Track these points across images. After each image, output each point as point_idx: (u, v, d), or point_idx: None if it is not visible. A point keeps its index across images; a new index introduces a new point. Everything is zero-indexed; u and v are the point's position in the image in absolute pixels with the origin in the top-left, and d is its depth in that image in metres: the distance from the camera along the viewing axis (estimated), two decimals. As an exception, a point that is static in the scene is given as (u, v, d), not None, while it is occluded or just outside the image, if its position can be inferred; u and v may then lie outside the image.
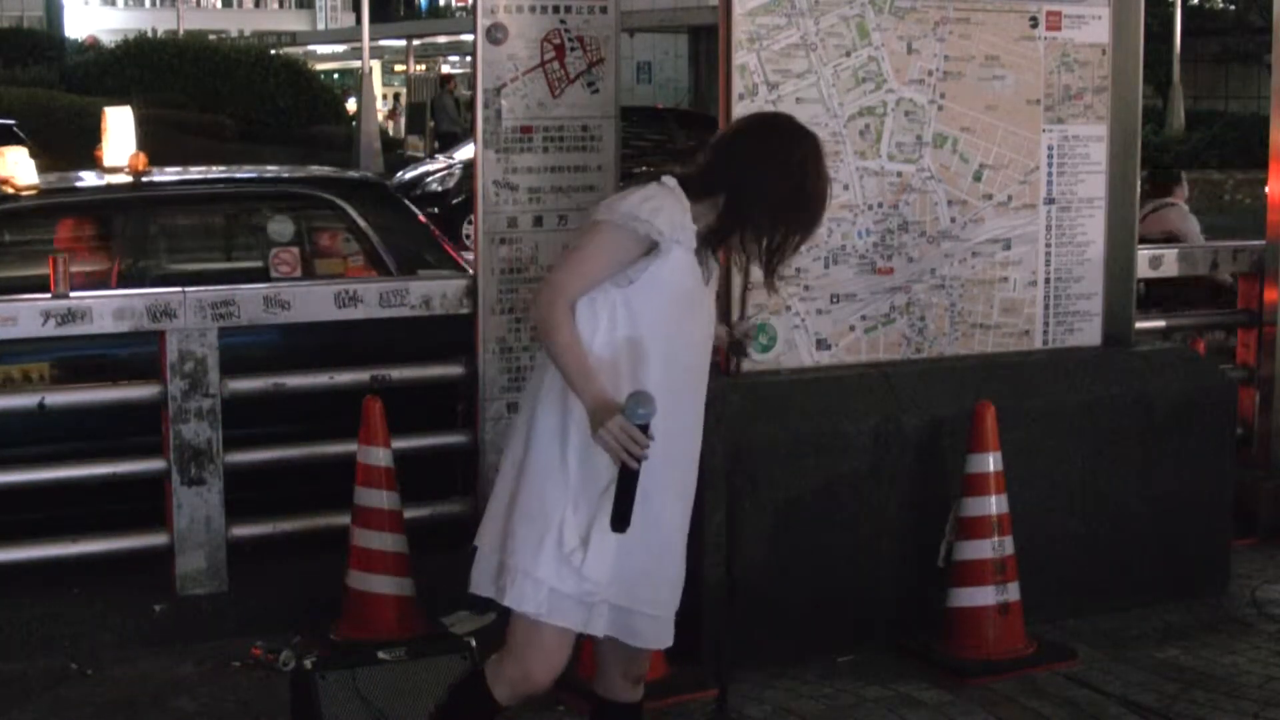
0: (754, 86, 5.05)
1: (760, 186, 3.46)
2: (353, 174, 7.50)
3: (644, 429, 3.31)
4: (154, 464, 5.36)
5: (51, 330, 5.18)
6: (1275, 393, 6.62)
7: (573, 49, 5.42)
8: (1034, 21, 5.49)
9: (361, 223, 6.43)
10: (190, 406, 5.26)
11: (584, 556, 3.40)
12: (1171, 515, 5.57)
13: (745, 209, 3.48)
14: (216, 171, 7.69)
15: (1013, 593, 4.99)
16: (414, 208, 7.18)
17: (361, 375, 5.53)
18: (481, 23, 5.32)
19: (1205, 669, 5.01)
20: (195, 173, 7.53)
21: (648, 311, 3.43)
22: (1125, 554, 5.51)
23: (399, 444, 5.27)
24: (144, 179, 6.48)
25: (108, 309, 5.21)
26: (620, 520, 3.36)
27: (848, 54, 5.18)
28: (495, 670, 3.56)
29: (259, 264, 6.30)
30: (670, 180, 3.50)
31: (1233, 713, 4.66)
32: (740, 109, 5.01)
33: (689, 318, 3.52)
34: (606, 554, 3.42)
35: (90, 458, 5.46)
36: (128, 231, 6.22)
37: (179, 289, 5.46)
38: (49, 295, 5.23)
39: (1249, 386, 6.69)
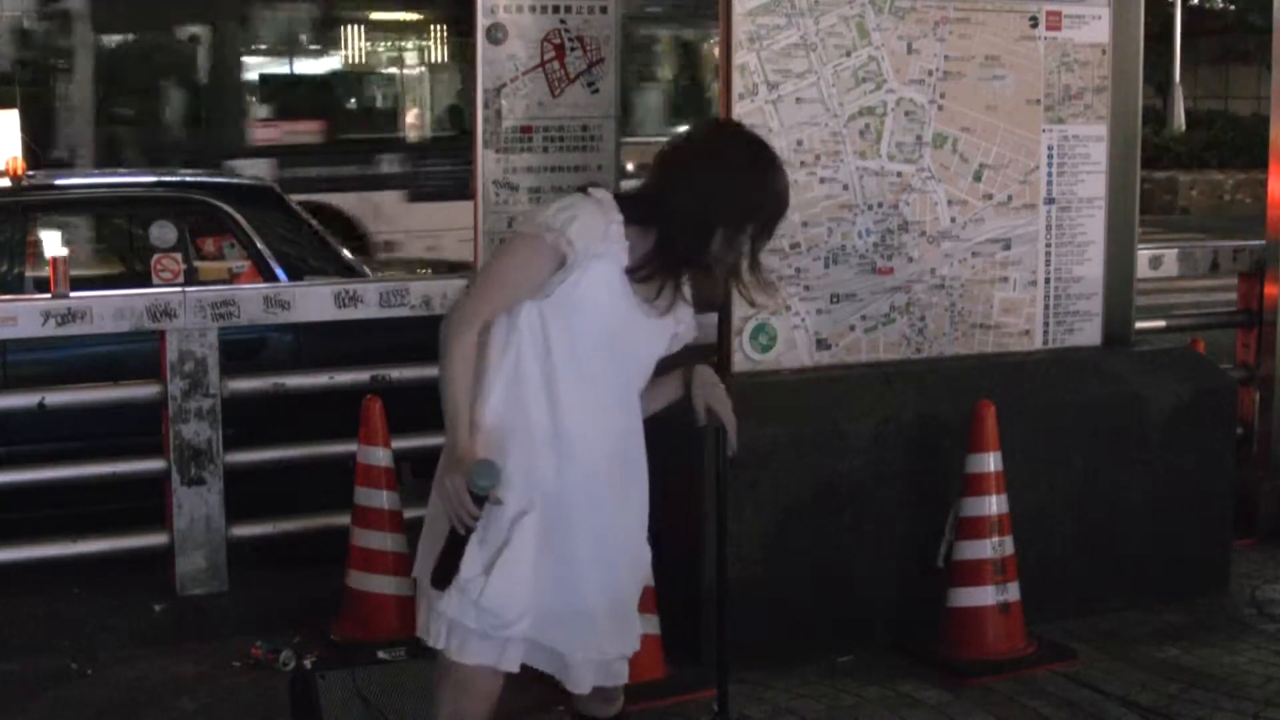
0: (754, 86, 5.05)
1: (712, 190, 3.25)
2: (242, 179, 7.41)
3: (482, 499, 3.12)
4: (154, 464, 5.37)
5: (51, 330, 5.18)
6: (1275, 393, 6.62)
7: (573, 49, 5.42)
8: (1034, 21, 5.49)
9: (248, 228, 6.37)
10: (190, 406, 5.26)
11: (483, 586, 3.20)
12: (1171, 515, 5.57)
13: (697, 217, 3.24)
14: (102, 176, 7.59)
15: (1013, 593, 4.99)
16: (305, 213, 7.03)
17: (361, 375, 5.54)
18: (481, 23, 5.32)
19: (1205, 669, 5.00)
20: (79, 177, 7.47)
21: (565, 328, 3.22)
22: (1125, 554, 5.51)
23: (399, 444, 5.28)
24: (24, 183, 6.39)
25: (108, 309, 5.21)
26: (440, 578, 3.20)
27: (848, 54, 5.18)
28: (433, 711, 3.42)
29: (141, 269, 6.25)
30: (599, 191, 3.29)
31: (1233, 713, 4.67)
32: (740, 109, 5.01)
33: (617, 341, 3.28)
34: (515, 586, 3.22)
35: (90, 458, 5.48)
36: (6, 236, 6.16)
37: (179, 289, 5.47)
38: (49, 295, 5.24)
39: (1249, 386, 6.69)
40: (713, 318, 4.91)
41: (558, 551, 3.26)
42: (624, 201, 3.28)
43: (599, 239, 3.19)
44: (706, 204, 3.23)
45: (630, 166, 6.95)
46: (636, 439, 3.40)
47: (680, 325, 3.41)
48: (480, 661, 3.28)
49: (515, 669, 3.32)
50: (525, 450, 3.24)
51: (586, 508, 3.29)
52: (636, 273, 3.25)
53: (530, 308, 3.21)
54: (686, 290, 3.40)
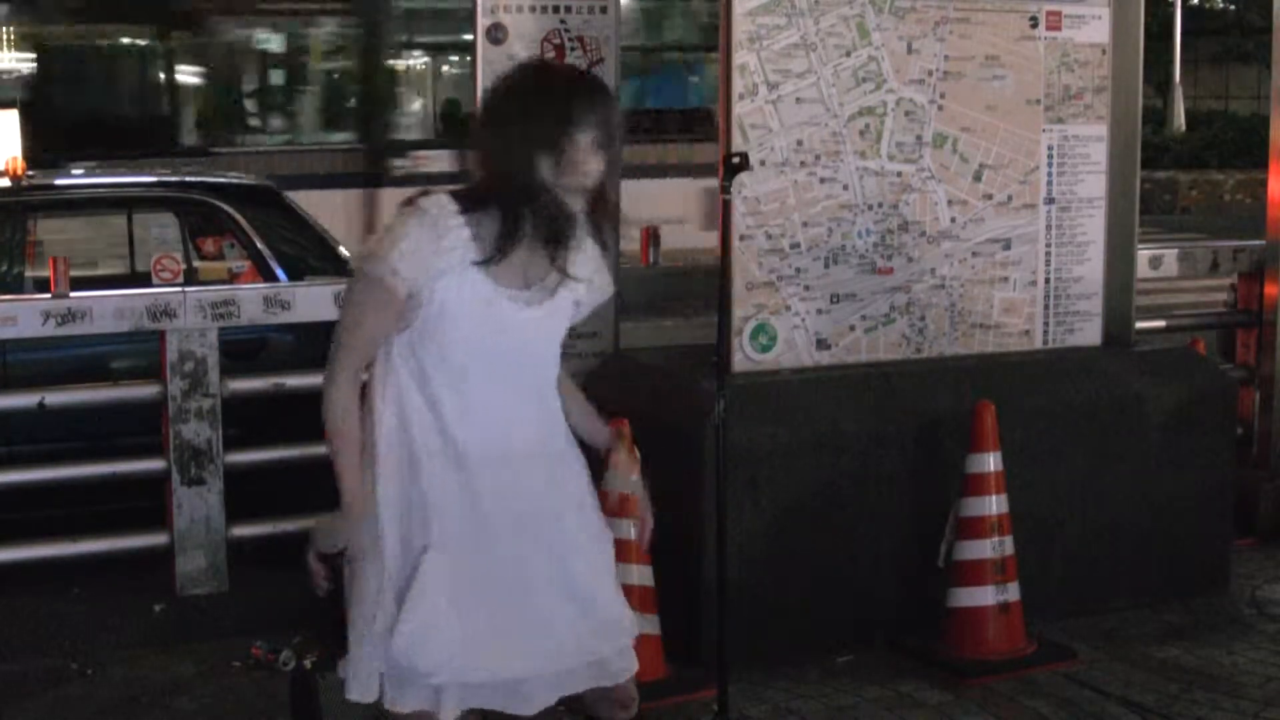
0: (754, 86, 5.05)
1: (503, 124, 3.05)
2: (242, 179, 7.40)
3: (334, 556, 3.03)
4: (154, 464, 5.37)
5: (51, 330, 5.19)
6: (1275, 393, 6.62)
7: (573, 49, 5.42)
8: (1034, 21, 5.49)
9: (248, 228, 6.37)
10: (190, 406, 5.26)
11: (393, 637, 3.05)
12: (1171, 515, 5.57)
13: (506, 158, 3.03)
14: (102, 176, 7.59)
15: (1013, 593, 4.99)
16: (307, 214, 7.02)
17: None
18: (481, 23, 5.32)
19: (1205, 669, 5.00)
20: (79, 177, 7.46)
21: (438, 350, 3.05)
22: (1125, 554, 5.51)
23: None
24: (24, 183, 6.39)
25: (108, 309, 5.21)
26: (336, 646, 3.11)
27: (848, 54, 5.18)
28: None
29: (141, 269, 6.25)
30: (429, 199, 3.04)
31: (1233, 713, 4.66)
32: (740, 109, 5.01)
33: (499, 345, 3.08)
34: (429, 631, 3.04)
35: (90, 457, 5.48)
36: (6, 236, 6.16)
37: (179, 289, 5.47)
38: (49, 295, 5.24)
39: (1249, 386, 6.69)
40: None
41: (480, 577, 3.09)
42: (459, 194, 3.07)
43: (433, 255, 2.98)
44: (506, 140, 3.03)
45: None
46: (553, 428, 3.22)
47: (579, 291, 3.18)
48: (418, 707, 3.12)
49: (454, 715, 3.13)
50: (424, 480, 3.08)
51: (504, 520, 3.11)
52: (491, 261, 3.02)
53: (400, 339, 3.06)
54: (577, 254, 3.15)
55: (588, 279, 3.20)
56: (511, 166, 3.03)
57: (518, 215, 3.03)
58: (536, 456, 3.17)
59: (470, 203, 3.04)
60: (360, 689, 3.17)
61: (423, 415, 3.08)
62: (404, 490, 3.09)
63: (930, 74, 5.31)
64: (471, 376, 3.07)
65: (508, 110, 3.07)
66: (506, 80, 3.14)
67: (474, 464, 3.09)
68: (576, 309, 3.23)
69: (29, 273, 6.11)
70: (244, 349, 5.78)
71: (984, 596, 4.95)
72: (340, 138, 14.50)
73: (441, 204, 3.03)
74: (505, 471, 3.12)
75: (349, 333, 3.06)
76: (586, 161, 3.05)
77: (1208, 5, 30.29)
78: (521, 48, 5.34)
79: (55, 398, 5.41)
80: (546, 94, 3.06)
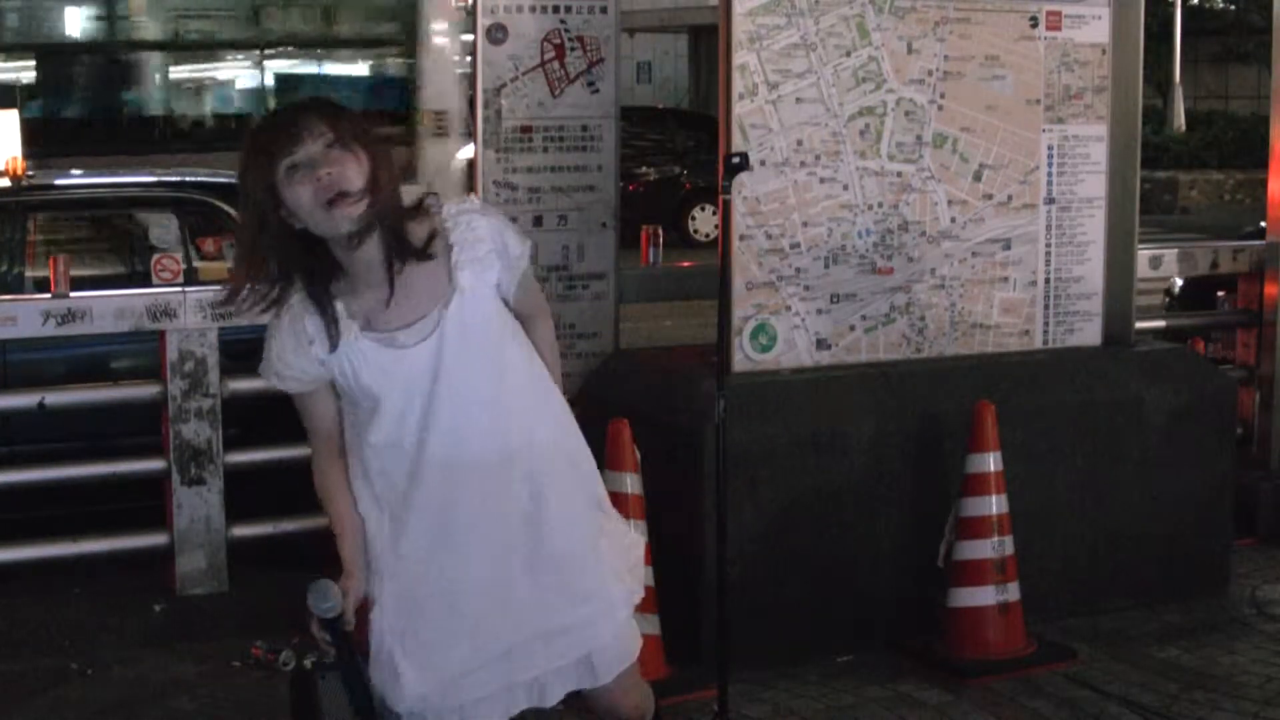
0: (754, 86, 5.05)
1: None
2: None
3: (331, 622, 3.03)
4: (154, 464, 5.37)
5: (51, 330, 5.19)
6: (1275, 393, 6.62)
7: (573, 49, 5.42)
8: (1034, 21, 5.49)
9: None
10: (190, 406, 5.26)
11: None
12: (1171, 515, 5.57)
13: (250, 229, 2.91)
14: (102, 175, 7.59)
15: (1013, 593, 4.99)
16: None
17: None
18: (481, 23, 5.32)
19: (1205, 669, 5.00)
20: (79, 176, 7.45)
21: (367, 409, 3.01)
22: (1125, 554, 5.51)
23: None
24: (24, 183, 6.38)
25: (108, 309, 5.21)
26: (362, 711, 3.09)
27: (848, 54, 5.18)
28: None
29: (141, 269, 6.24)
30: (296, 298, 2.98)
31: (1233, 713, 4.66)
32: (740, 109, 5.01)
33: (424, 381, 2.98)
34: (400, 677, 3.09)
35: (90, 457, 5.48)
36: (6, 236, 6.16)
37: (179, 289, 5.47)
38: (49, 295, 5.25)
39: (1249, 386, 6.69)
40: None
41: (431, 609, 3.09)
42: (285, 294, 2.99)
43: (300, 350, 2.98)
44: (247, 235, 2.93)
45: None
46: (517, 428, 3.07)
47: (484, 275, 3.02)
48: None
49: None
50: (372, 532, 3.11)
51: (444, 558, 3.07)
52: (340, 344, 2.96)
53: (350, 427, 3.07)
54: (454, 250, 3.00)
55: (480, 259, 3.02)
56: (268, 254, 2.91)
57: (319, 292, 2.94)
58: (496, 465, 3.05)
59: (294, 296, 2.96)
60: None
61: (367, 477, 3.07)
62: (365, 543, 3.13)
63: (930, 74, 5.31)
64: (404, 421, 2.99)
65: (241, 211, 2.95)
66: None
67: (429, 499, 3.03)
68: (498, 289, 3.07)
69: (29, 273, 6.11)
70: (244, 349, 5.79)
71: (984, 596, 4.95)
72: None
73: (293, 300, 2.96)
74: (459, 492, 3.03)
75: (306, 423, 3.11)
76: (301, 197, 2.85)
77: (1208, 5, 30.27)
78: (521, 47, 5.35)
79: (55, 398, 5.41)
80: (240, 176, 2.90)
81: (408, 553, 3.09)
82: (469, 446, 3.02)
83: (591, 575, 3.18)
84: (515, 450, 3.06)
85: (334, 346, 2.96)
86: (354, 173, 2.86)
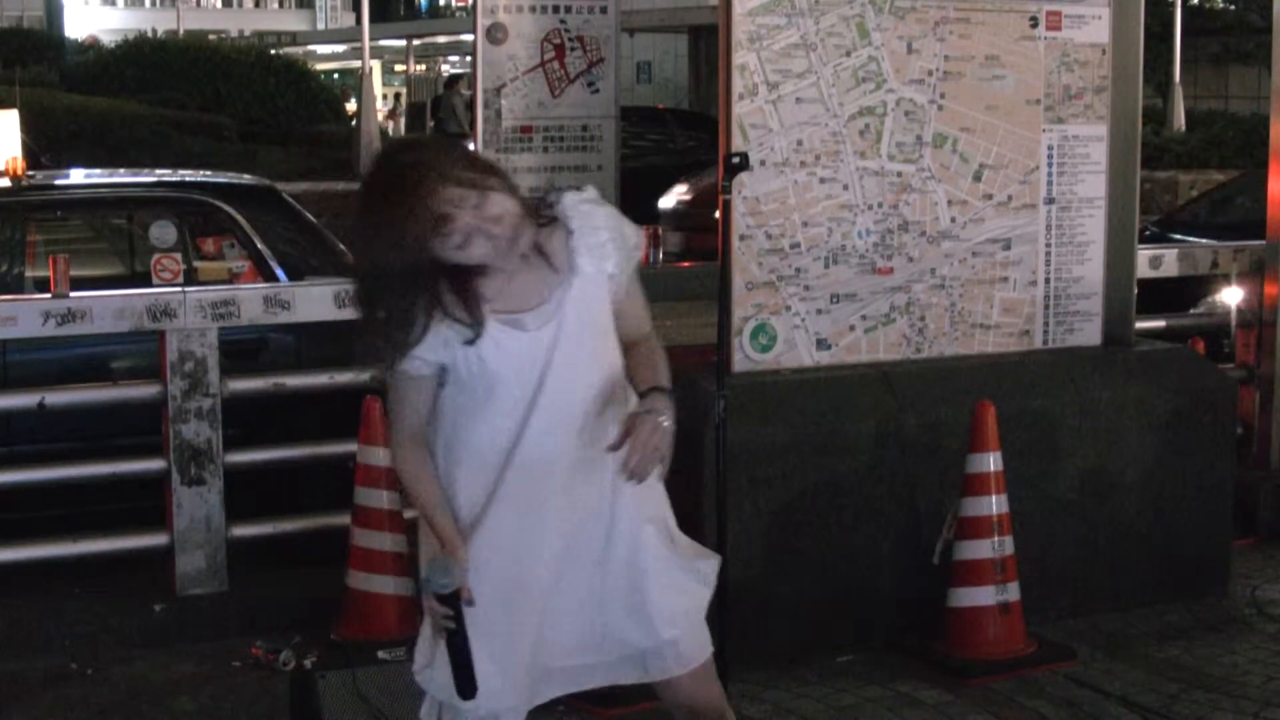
0: (754, 86, 5.05)
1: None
2: (243, 179, 7.38)
3: (450, 597, 3.05)
4: (154, 464, 5.37)
5: (51, 330, 5.18)
6: (1275, 393, 6.62)
7: (573, 49, 5.42)
8: (1034, 21, 5.49)
9: (249, 228, 6.36)
10: (190, 406, 5.26)
11: (431, 678, 3.18)
12: (1171, 515, 5.57)
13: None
14: (102, 176, 7.59)
15: (1013, 593, 4.99)
16: (307, 213, 7.02)
17: (361, 375, 5.53)
18: (481, 23, 5.32)
19: (1205, 669, 5.01)
20: (79, 177, 7.45)
21: (469, 410, 3.10)
22: (1125, 554, 5.51)
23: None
24: (24, 183, 6.38)
25: (108, 309, 5.21)
26: (464, 689, 3.11)
27: (848, 54, 5.18)
28: None
29: (142, 269, 6.24)
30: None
31: (1233, 713, 4.66)
32: (740, 109, 5.01)
33: (536, 386, 3.08)
34: (485, 675, 3.11)
35: (90, 457, 5.48)
36: (6, 236, 6.15)
37: (179, 289, 5.47)
38: (49, 295, 5.24)
39: (1249, 386, 6.69)
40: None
41: (514, 609, 3.15)
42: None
43: (438, 347, 3.05)
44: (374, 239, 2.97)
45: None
46: (597, 455, 3.15)
47: (602, 264, 3.11)
48: None
49: None
50: (467, 524, 3.15)
51: (544, 547, 3.15)
52: (479, 334, 3.03)
53: (445, 398, 3.12)
54: (561, 248, 3.09)
55: (599, 245, 3.11)
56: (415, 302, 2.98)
57: (465, 293, 3.01)
58: (583, 465, 3.14)
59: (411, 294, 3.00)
60: (426, 711, 3.28)
61: (465, 462, 3.13)
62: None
63: (930, 74, 5.31)
64: (512, 408, 3.08)
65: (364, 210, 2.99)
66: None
67: (521, 499, 3.12)
68: (613, 279, 3.15)
69: (29, 273, 6.11)
70: (244, 349, 5.78)
71: (984, 596, 4.95)
72: None
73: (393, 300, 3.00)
74: (546, 489, 3.12)
75: (397, 409, 3.15)
76: (458, 243, 2.94)
77: (1208, 5, 30.28)
78: (521, 47, 5.35)
79: (55, 398, 5.41)
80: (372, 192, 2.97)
81: (489, 544, 3.14)
82: (562, 443, 3.11)
83: (659, 584, 3.24)
84: (602, 452, 3.13)
85: (477, 336, 3.02)
86: (506, 208, 2.96)
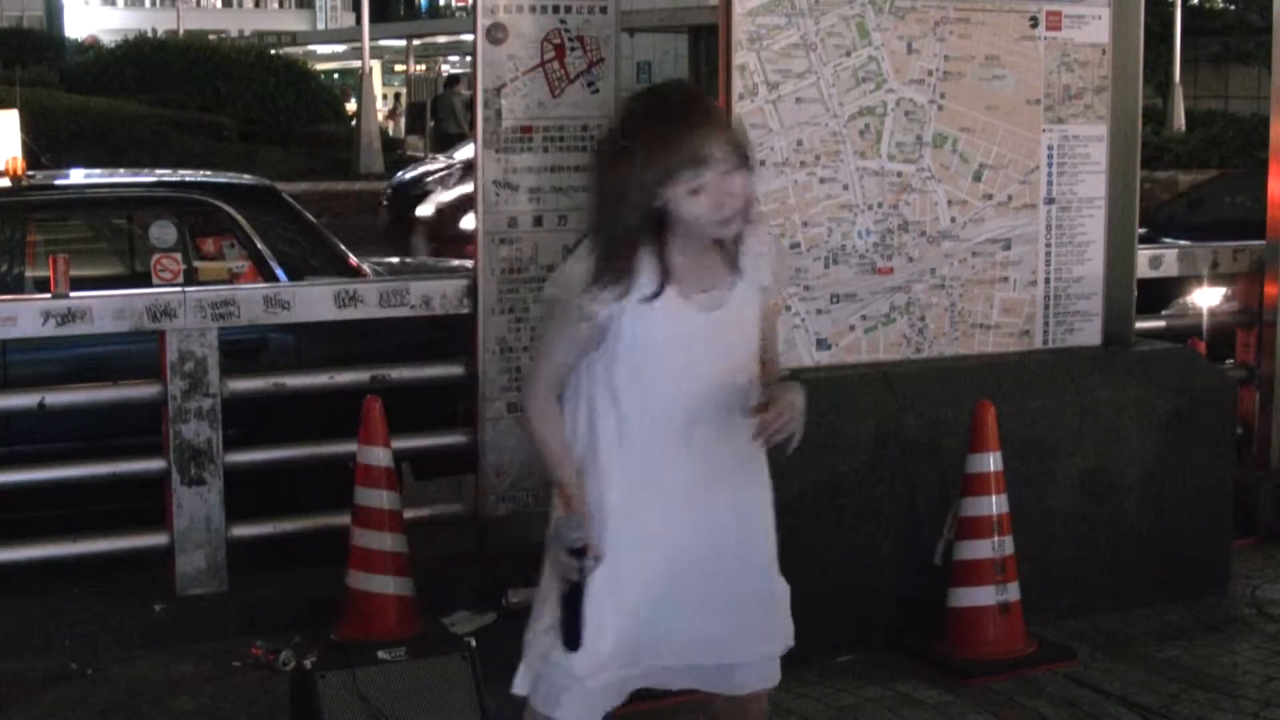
0: (754, 86, 5.05)
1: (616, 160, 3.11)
2: (243, 179, 7.37)
3: (579, 551, 3.15)
4: (154, 464, 5.36)
5: (51, 330, 5.18)
6: (1275, 393, 6.62)
7: (573, 49, 5.42)
8: (1034, 21, 5.49)
9: (249, 228, 6.36)
10: (190, 406, 5.26)
11: (550, 641, 3.23)
12: (1171, 515, 5.57)
13: (618, 191, 3.11)
14: (102, 176, 7.58)
15: (1013, 593, 4.99)
16: (307, 213, 7.04)
17: (361, 375, 5.54)
18: (481, 23, 5.32)
19: (1205, 669, 5.01)
20: (79, 177, 7.44)
21: (624, 375, 3.18)
22: (1125, 554, 5.51)
23: (399, 444, 5.30)
24: (24, 183, 6.37)
25: (108, 309, 5.21)
26: (570, 639, 3.19)
27: (848, 54, 5.18)
28: None
29: (142, 269, 6.24)
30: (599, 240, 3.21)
31: (1233, 713, 4.67)
32: (740, 109, 5.01)
33: (688, 364, 3.19)
34: (592, 640, 3.19)
35: (90, 457, 5.48)
36: (6, 236, 6.15)
37: (179, 289, 5.47)
38: (49, 295, 5.24)
39: (1249, 386, 6.69)
40: None
41: (647, 580, 3.22)
42: (622, 237, 3.17)
43: (613, 295, 3.14)
44: (618, 175, 3.11)
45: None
46: (741, 451, 3.27)
47: (757, 278, 3.25)
48: (559, 715, 3.26)
49: (614, 704, 3.30)
50: (604, 488, 3.23)
51: (683, 524, 3.24)
52: (658, 295, 3.13)
53: (595, 360, 3.20)
54: (748, 253, 3.23)
55: (762, 254, 3.26)
56: (614, 199, 3.11)
57: (663, 252, 3.13)
58: (711, 492, 3.25)
59: (628, 242, 3.13)
60: (520, 682, 3.31)
61: (609, 425, 3.21)
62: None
63: (930, 74, 5.31)
64: (662, 387, 3.18)
65: (625, 145, 3.11)
66: (619, 118, 3.24)
67: (658, 471, 3.20)
68: (764, 293, 3.29)
69: (29, 273, 6.11)
70: (244, 348, 5.78)
71: (984, 596, 4.95)
72: None
73: (610, 245, 3.14)
74: (676, 487, 3.22)
75: (543, 360, 3.26)
76: (697, 206, 3.08)
77: (1208, 5, 30.28)
78: (521, 47, 5.35)
79: (55, 398, 5.41)
80: (655, 129, 3.08)
81: (624, 515, 3.22)
82: (704, 432, 3.21)
83: (768, 593, 3.37)
84: (739, 451, 3.26)
85: (658, 293, 3.12)
86: (746, 189, 3.13)
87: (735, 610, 3.31)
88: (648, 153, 3.05)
